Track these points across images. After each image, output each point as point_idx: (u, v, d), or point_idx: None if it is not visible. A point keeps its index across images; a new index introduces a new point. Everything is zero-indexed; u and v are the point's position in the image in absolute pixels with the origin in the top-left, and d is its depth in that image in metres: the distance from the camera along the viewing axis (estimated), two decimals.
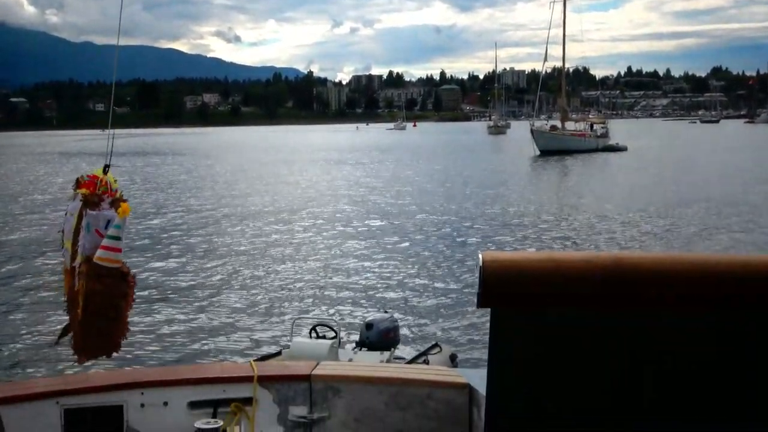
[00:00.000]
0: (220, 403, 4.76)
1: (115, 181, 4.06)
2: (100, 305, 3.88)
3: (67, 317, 4.22)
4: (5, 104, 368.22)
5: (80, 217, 3.95)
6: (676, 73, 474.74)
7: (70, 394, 4.50)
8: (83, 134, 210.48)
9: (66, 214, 4.08)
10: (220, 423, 4.33)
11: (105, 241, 3.82)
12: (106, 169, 4.06)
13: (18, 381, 8.13)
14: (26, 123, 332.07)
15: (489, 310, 1.48)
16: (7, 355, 13.22)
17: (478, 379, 4.73)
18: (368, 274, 19.65)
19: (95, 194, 3.93)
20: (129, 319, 4.16)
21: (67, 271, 4.09)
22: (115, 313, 3.93)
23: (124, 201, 3.99)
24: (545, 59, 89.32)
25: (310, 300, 17.04)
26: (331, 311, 15.62)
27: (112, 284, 3.85)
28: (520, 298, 1.44)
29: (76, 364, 5.29)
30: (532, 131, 72.78)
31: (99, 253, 3.81)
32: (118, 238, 3.84)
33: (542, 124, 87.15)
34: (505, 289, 1.42)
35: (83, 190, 3.95)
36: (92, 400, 4.52)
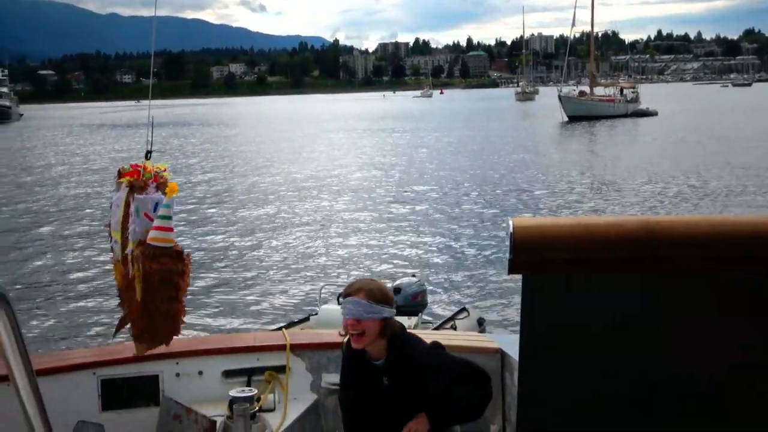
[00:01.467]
0: (254, 371, 4.83)
1: (165, 170, 4.06)
2: (159, 285, 3.90)
3: (121, 310, 4.23)
4: (34, 77, 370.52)
5: (127, 205, 3.96)
6: (708, 36, 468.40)
7: (107, 365, 4.57)
8: (115, 106, 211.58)
9: (111, 207, 4.09)
10: (255, 391, 4.38)
11: (156, 222, 3.85)
12: (148, 155, 4.07)
13: (55, 353, 8.26)
14: (54, 95, 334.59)
15: (519, 276, 1.49)
16: (45, 328, 13.42)
17: (509, 343, 4.76)
18: (396, 240, 19.72)
19: (141, 179, 3.95)
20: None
21: (118, 262, 4.10)
22: (175, 292, 3.95)
23: (171, 182, 4.01)
24: (573, 24, 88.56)
25: (338, 266, 17.14)
26: (359, 277, 15.65)
27: (168, 263, 3.87)
28: (550, 264, 1.44)
29: (113, 336, 5.37)
30: (560, 97, 72.06)
31: (152, 234, 3.85)
32: (168, 218, 3.87)
33: (570, 89, 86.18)
34: (536, 255, 1.42)
35: (127, 179, 3.98)
36: (128, 371, 4.59)
